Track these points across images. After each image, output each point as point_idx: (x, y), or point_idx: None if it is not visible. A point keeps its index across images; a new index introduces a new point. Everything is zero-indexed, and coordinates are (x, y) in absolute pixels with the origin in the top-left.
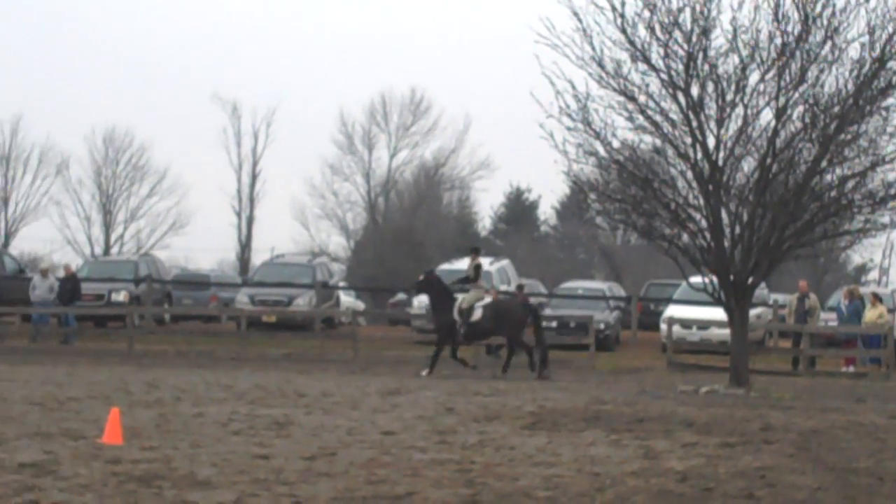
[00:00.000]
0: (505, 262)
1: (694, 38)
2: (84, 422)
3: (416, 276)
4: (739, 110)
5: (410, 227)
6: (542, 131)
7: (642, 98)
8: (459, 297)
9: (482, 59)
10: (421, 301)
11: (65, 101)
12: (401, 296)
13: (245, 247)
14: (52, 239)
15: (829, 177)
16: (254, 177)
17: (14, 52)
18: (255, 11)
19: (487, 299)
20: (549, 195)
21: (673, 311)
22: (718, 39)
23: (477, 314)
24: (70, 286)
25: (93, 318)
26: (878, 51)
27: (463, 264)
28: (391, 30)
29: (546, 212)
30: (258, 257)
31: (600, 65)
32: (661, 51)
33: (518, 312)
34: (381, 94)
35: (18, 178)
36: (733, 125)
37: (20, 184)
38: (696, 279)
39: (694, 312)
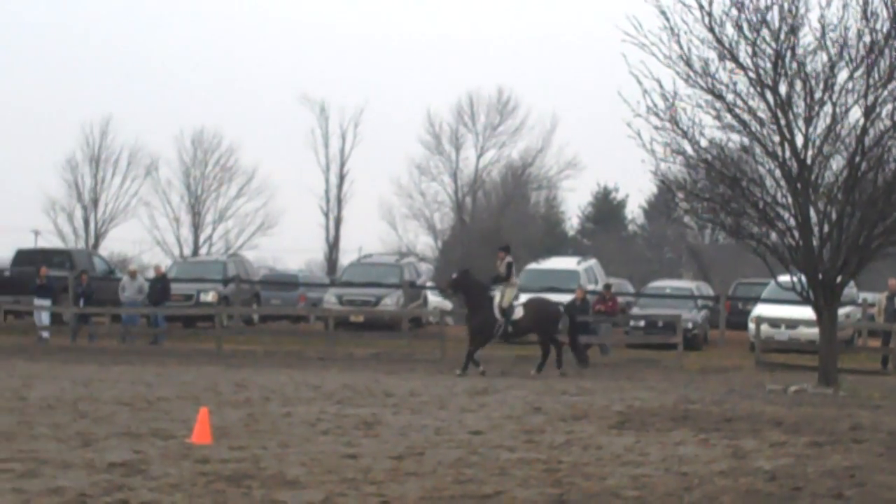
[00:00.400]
0: (592, 262)
1: (782, 36)
2: (173, 422)
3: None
4: (828, 108)
5: (498, 227)
6: (629, 130)
7: (730, 97)
8: (496, 295)
9: (569, 58)
10: None
11: (154, 103)
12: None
13: (333, 247)
14: (141, 240)
15: None
16: (341, 177)
17: (103, 54)
18: (343, 12)
19: (523, 297)
20: (636, 194)
21: (761, 310)
22: (807, 37)
23: (518, 312)
24: (160, 287)
25: (181, 318)
26: None
27: (551, 263)
28: (478, 30)
29: (633, 211)
30: (346, 257)
31: (688, 63)
32: (749, 49)
33: (552, 310)
34: (468, 93)
35: (108, 179)
36: (822, 123)
37: (110, 185)
38: (784, 278)
39: (782, 311)
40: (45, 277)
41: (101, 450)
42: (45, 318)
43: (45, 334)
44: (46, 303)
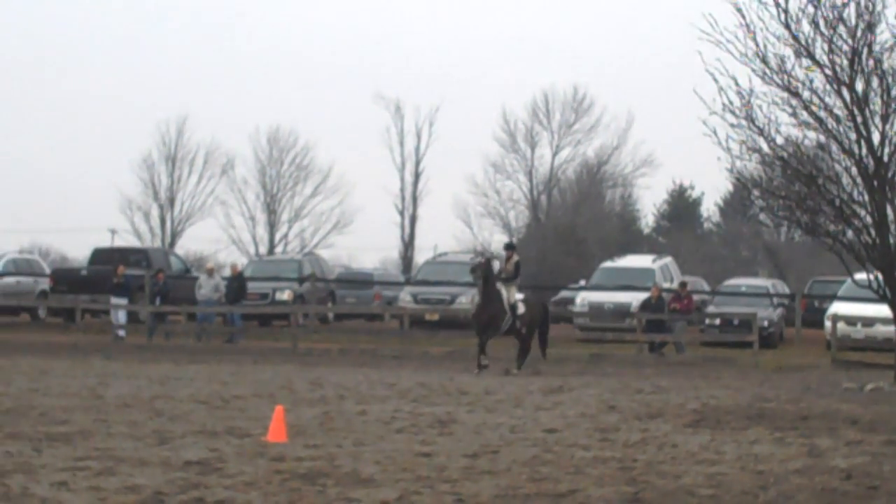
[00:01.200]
0: (668, 260)
1: (859, 34)
2: (249, 420)
3: (578, 273)
4: None
5: (573, 225)
6: (705, 128)
7: (806, 94)
8: (503, 291)
9: (644, 56)
10: (584, 298)
11: (230, 102)
12: (563, 293)
13: (408, 245)
14: (217, 238)
15: None
16: (416, 175)
17: (180, 53)
18: (418, 10)
19: (520, 295)
20: (712, 192)
21: (837, 308)
22: (883, 34)
23: (521, 309)
24: (237, 285)
25: (257, 316)
26: None
27: (626, 261)
28: (553, 28)
29: (709, 209)
30: (421, 256)
31: (764, 61)
32: (826, 46)
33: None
34: (543, 91)
35: (184, 178)
36: None
37: (186, 184)
38: (860, 276)
39: (858, 309)
40: (123, 276)
41: (177, 448)
42: (121, 316)
43: (122, 333)
44: (123, 301)
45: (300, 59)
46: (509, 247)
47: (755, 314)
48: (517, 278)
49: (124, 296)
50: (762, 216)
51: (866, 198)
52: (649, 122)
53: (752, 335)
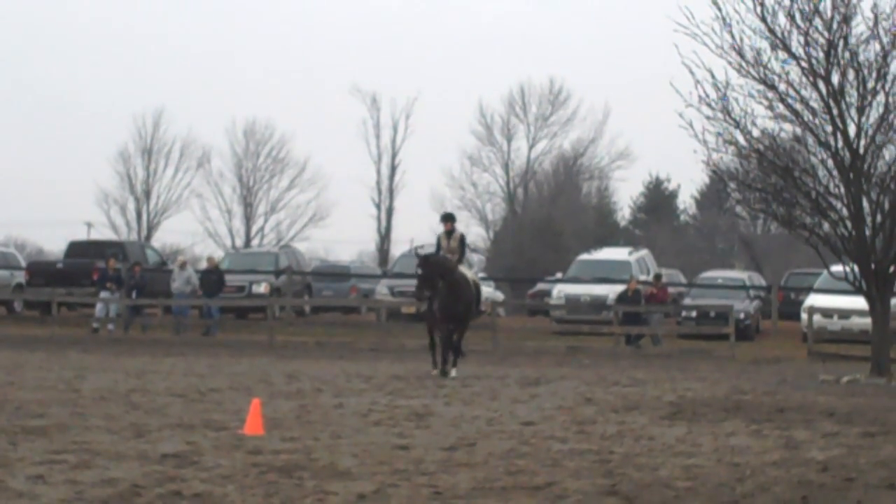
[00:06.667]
0: (644, 252)
1: (834, 26)
2: (225, 413)
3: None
4: (881, 98)
5: (549, 218)
6: (681, 121)
7: (782, 86)
8: (467, 273)
9: (621, 48)
10: (560, 291)
11: (206, 94)
12: (540, 286)
13: (384, 238)
14: (193, 231)
15: None
16: (393, 168)
17: (156, 46)
18: (394, 3)
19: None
20: (688, 184)
21: (814, 300)
22: (859, 27)
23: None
24: (214, 278)
25: (234, 309)
26: None
27: (602, 254)
28: (530, 20)
29: (685, 201)
30: (397, 248)
31: (740, 53)
32: (802, 39)
33: None
34: (519, 84)
35: (160, 171)
36: (874, 113)
37: (162, 177)
38: (836, 268)
39: (835, 301)
40: (115, 269)
41: (154, 441)
42: (112, 310)
43: (111, 326)
44: (115, 296)
45: (276, 51)
46: (448, 218)
47: (732, 306)
48: (465, 255)
49: (115, 288)
50: (738, 209)
51: (842, 190)
52: (626, 115)
53: (729, 327)
